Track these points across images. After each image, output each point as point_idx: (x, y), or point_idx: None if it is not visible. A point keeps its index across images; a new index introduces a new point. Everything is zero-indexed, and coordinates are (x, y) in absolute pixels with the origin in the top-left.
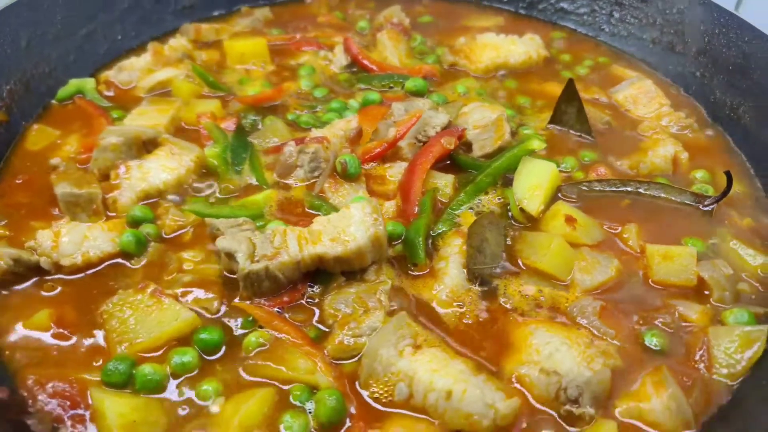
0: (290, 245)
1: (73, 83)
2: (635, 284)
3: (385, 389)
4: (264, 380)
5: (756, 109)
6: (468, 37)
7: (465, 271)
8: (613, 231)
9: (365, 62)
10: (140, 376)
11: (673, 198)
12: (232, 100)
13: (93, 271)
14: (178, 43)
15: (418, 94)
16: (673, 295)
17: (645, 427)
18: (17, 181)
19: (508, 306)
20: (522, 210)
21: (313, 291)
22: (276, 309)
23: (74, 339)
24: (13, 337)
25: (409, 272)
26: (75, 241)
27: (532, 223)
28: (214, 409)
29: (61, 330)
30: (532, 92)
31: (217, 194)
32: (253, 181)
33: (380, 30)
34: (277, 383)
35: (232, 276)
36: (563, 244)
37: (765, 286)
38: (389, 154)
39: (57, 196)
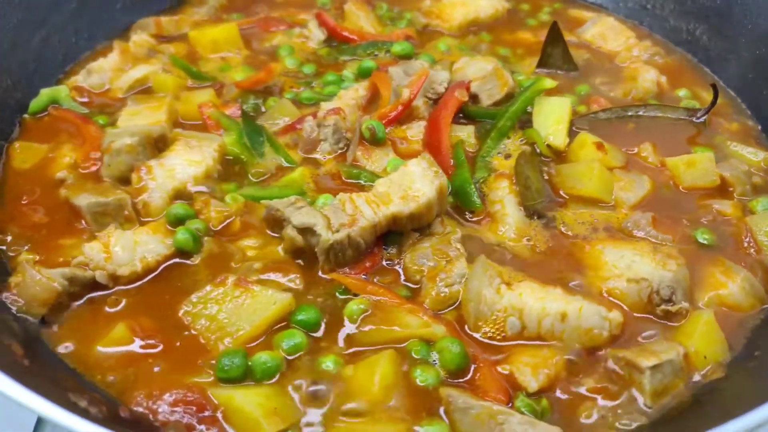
0: (364, 210)
1: (45, 93)
2: (669, 193)
3: (496, 327)
4: (374, 346)
5: (710, 29)
6: None
7: (521, 209)
8: (631, 152)
9: (345, 33)
10: (258, 365)
11: (669, 115)
12: (229, 86)
13: (151, 277)
14: (141, 39)
15: (406, 57)
16: (703, 196)
17: (729, 311)
18: (23, 202)
19: (570, 233)
20: (548, 146)
21: (389, 252)
22: (362, 276)
23: (161, 347)
24: (97, 360)
25: (468, 220)
26: (128, 248)
27: (559, 156)
28: (344, 378)
29: (147, 340)
30: (508, 42)
31: (251, 179)
32: (281, 162)
33: (344, 2)
34: (390, 345)
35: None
36: (603, 169)
37: None
38: (404, 115)
39: (80, 208)
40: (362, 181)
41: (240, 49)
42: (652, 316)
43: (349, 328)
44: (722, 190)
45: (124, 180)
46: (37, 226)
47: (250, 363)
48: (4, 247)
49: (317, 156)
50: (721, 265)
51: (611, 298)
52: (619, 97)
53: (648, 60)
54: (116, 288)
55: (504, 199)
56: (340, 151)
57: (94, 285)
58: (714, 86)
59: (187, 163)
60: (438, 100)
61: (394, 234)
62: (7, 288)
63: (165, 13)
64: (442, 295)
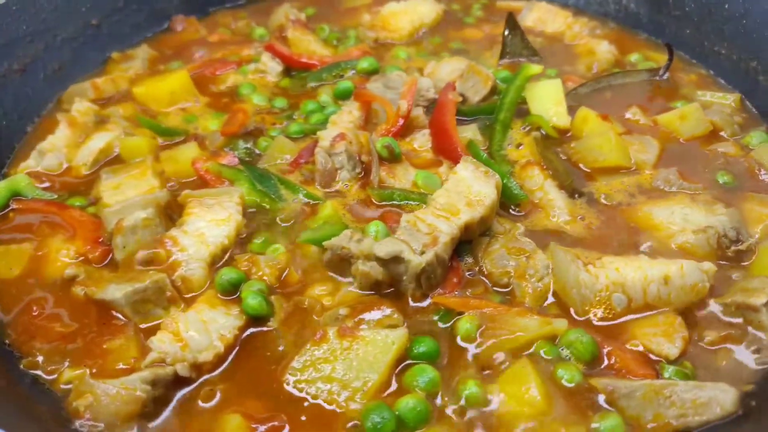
0: (439, 225)
1: (3, 186)
2: (676, 147)
3: (604, 306)
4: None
5: None
6: (370, 13)
7: (561, 191)
8: (622, 118)
9: (303, 60)
10: (408, 412)
11: (635, 79)
12: (208, 135)
13: (233, 356)
14: (84, 106)
15: (373, 72)
16: (702, 143)
17: None
18: (35, 314)
19: (613, 203)
20: (553, 128)
21: (468, 263)
22: (456, 293)
23: (287, 427)
24: None
25: (515, 214)
26: (202, 330)
27: (563, 135)
28: (496, 400)
29: (269, 424)
30: (459, 40)
31: (280, 224)
32: (301, 200)
33: (282, 31)
34: (517, 353)
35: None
36: (618, 137)
37: (746, 111)
38: (402, 128)
39: (113, 303)
40: (396, 201)
41: (197, 97)
42: (723, 261)
43: (470, 348)
44: (714, 134)
45: (146, 261)
46: (67, 336)
47: (397, 413)
48: (39, 372)
49: (337, 187)
50: (752, 200)
51: (683, 252)
52: (583, 71)
53: (590, 34)
54: (201, 379)
55: (544, 185)
56: (357, 177)
57: (175, 381)
58: (668, 45)
59: (213, 224)
60: (429, 107)
61: (463, 243)
62: (76, 414)
63: (91, 77)
64: (538, 290)
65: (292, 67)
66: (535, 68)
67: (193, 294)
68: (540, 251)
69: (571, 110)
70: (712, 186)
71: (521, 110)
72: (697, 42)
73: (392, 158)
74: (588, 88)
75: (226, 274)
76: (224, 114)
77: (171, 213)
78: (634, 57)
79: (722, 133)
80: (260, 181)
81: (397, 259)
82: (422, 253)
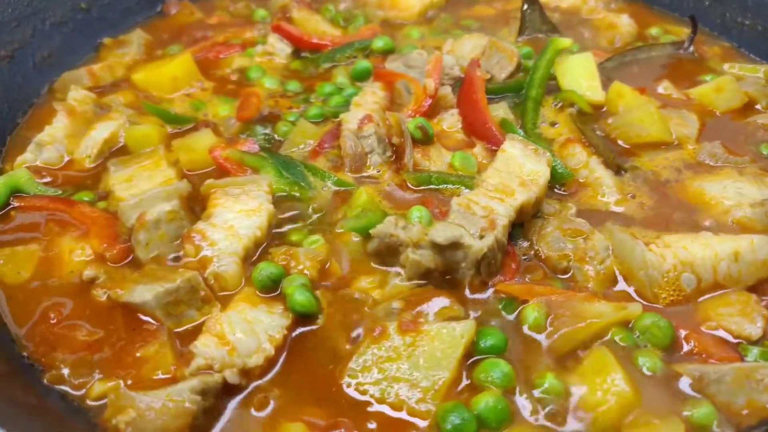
0: (496, 208)
1: (2, 182)
2: (714, 121)
3: (673, 288)
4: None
5: None
6: None
7: (609, 169)
8: (655, 91)
9: (315, 41)
10: (489, 411)
11: (660, 52)
12: (223, 122)
13: (283, 360)
14: (81, 95)
15: (389, 51)
16: (738, 115)
17: None
18: (53, 322)
19: (661, 179)
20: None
21: (523, 247)
22: (516, 279)
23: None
24: None
25: (562, 193)
26: (248, 331)
27: (598, 111)
28: (578, 393)
29: (333, 428)
30: (470, 18)
31: (313, 216)
32: (330, 187)
33: (286, 12)
34: (590, 341)
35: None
36: (659, 111)
37: None
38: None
39: (144, 305)
40: (434, 184)
41: (202, 81)
42: None
43: (539, 338)
44: (749, 107)
45: (175, 257)
46: (92, 345)
47: (477, 412)
48: (66, 387)
49: (369, 172)
50: None
51: (741, 227)
52: (606, 45)
53: (606, 8)
54: (252, 385)
55: (589, 162)
56: (389, 160)
57: (224, 390)
58: (692, 17)
59: (243, 215)
60: (454, 85)
61: (515, 227)
62: None
63: (83, 64)
64: (601, 273)
65: (301, 49)
66: (565, 41)
67: (228, 293)
68: (597, 232)
69: (606, 85)
70: (758, 158)
71: (550, 86)
72: (718, 14)
73: (425, 140)
74: (614, 62)
75: (265, 269)
76: (234, 99)
77: (192, 205)
78: (654, 30)
79: (758, 106)
80: (286, 168)
81: (455, 245)
82: (481, 237)
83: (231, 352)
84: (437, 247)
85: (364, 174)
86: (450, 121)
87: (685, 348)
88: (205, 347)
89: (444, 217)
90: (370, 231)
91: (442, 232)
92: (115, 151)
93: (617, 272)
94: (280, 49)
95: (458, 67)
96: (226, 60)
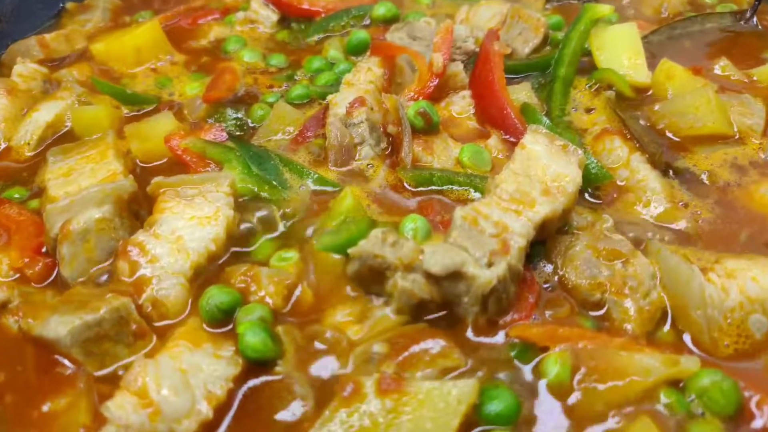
0: (510, 224)
1: None
2: None
3: (737, 332)
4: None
5: None
6: None
7: (655, 170)
8: (711, 71)
9: (304, 6)
10: None
11: (717, 24)
12: (188, 103)
13: (228, 420)
14: (28, 69)
15: (392, 20)
16: None
17: None
18: None
19: (719, 182)
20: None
21: (545, 272)
22: (534, 318)
23: None
24: None
25: (594, 201)
26: (179, 386)
27: (642, 95)
28: None
29: None
30: None
31: (282, 223)
32: (309, 186)
33: None
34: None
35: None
36: (718, 97)
37: None
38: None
39: (56, 342)
40: (437, 185)
41: (172, 54)
42: None
43: (563, 402)
44: None
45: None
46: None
47: None
48: None
49: (355, 166)
50: None
51: None
52: (650, 15)
53: None
54: None
55: (630, 160)
56: (383, 152)
57: None
58: None
59: (195, 223)
60: (467, 62)
61: (535, 244)
62: None
63: (40, 33)
64: (646, 309)
65: (290, 16)
66: (603, 9)
67: (169, 322)
68: (640, 254)
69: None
70: None
71: (583, 64)
72: None
73: (428, 128)
74: (661, 35)
75: (215, 297)
76: (207, 75)
77: (137, 209)
78: None
79: None
80: (257, 163)
81: (456, 275)
82: (490, 264)
83: (154, 416)
84: (432, 277)
85: (352, 167)
86: (460, 106)
87: (757, 419)
88: (119, 409)
89: (446, 227)
90: (348, 251)
91: (439, 259)
92: (60, 137)
93: (666, 308)
94: (264, 16)
95: (473, 40)
96: (202, 28)
